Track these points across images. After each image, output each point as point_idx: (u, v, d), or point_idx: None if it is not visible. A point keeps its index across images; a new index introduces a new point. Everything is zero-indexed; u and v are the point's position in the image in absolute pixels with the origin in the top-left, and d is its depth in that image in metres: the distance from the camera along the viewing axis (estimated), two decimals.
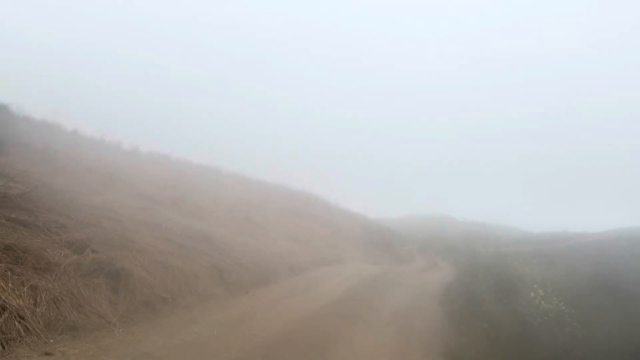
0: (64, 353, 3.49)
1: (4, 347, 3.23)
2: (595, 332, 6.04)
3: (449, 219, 44.91)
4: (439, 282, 12.21)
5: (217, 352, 4.24)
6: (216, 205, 14.17)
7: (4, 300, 3.46)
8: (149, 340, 4.11)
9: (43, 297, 3.84)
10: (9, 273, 3.81)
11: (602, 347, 5.75)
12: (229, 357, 4.17)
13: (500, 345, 5.65)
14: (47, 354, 3.40)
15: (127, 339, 4.02)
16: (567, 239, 21.94)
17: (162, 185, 13.39)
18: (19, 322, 3.45)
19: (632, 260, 11.72)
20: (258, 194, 20.42)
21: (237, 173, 23.93)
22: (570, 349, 5.60)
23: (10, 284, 3.67)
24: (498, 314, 6.49)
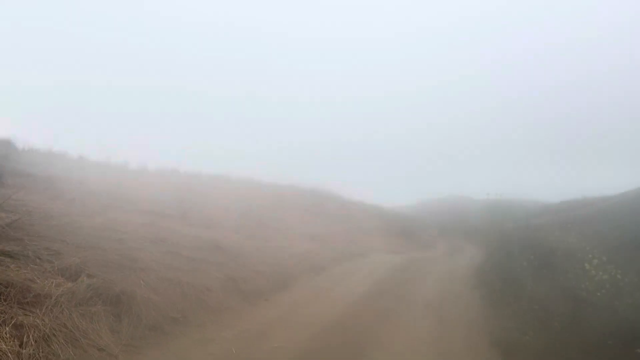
0: None
1: None
2: None
3: (465, 199, 43.64)
4: (468, 265, 11.56)
5: None
6: (227, 213, 13.66)
7: None
8: None
9: (31, 336, 3.34)
10: None
11: None
12: None
13: (555, 326, 5.01)
14: None
15: None
16: (588, 205, 20.82)
17: (169, 200, 12.91)
18: None
19: None
20: (270, 196, 19.87)
21: (247, 178, 23.41)
22: (635, 322, 4.93)
23: None
24: (545, 292, 5.83)
